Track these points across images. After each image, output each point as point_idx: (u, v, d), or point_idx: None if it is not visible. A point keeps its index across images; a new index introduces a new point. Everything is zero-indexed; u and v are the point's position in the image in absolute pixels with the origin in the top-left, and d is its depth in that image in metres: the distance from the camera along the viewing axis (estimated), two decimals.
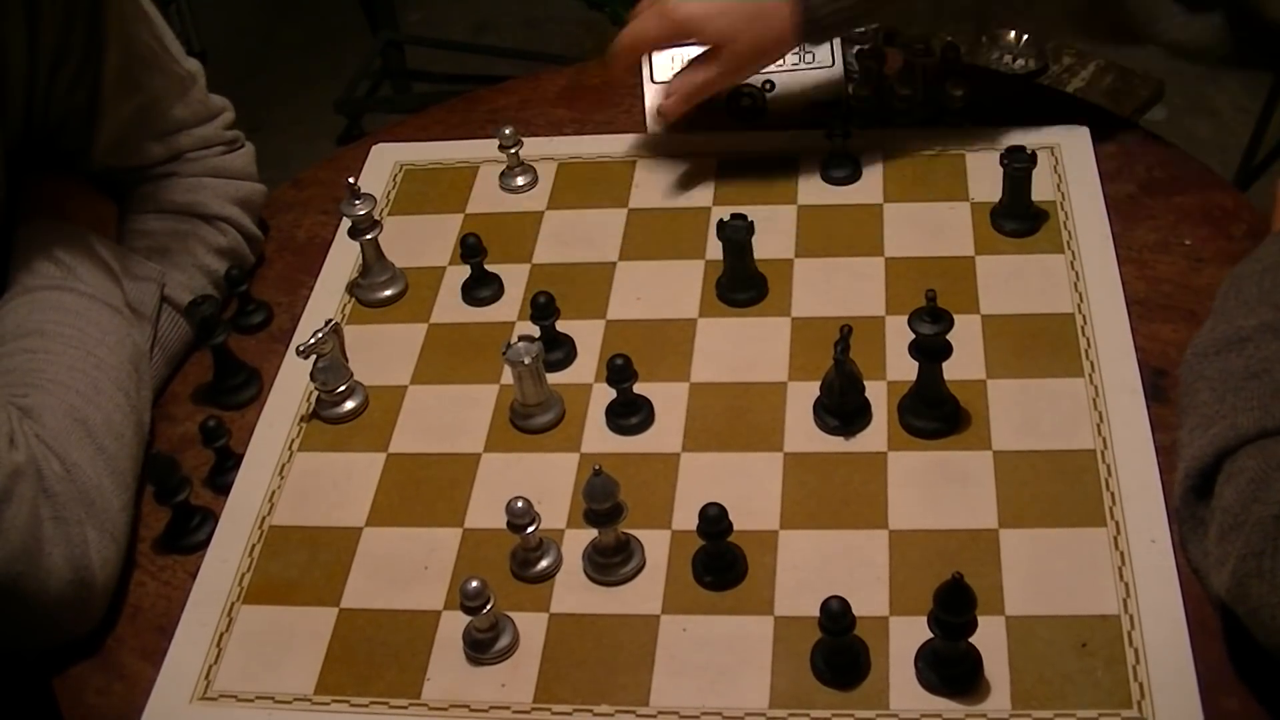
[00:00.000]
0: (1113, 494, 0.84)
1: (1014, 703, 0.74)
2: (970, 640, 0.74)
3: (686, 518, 0.84)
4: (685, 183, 1.12)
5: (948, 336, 0.85)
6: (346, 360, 0.97)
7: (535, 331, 0.95)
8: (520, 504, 0.81)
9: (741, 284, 1.00)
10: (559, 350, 0.97)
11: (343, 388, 0.96)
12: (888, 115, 1.15)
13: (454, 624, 0.82)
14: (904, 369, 0.90)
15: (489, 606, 0.78)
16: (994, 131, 1.12)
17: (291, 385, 0.99)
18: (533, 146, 1.15)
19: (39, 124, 0.98)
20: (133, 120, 1.01)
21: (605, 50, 1.10)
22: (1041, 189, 1.04)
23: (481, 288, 1.04)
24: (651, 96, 1.16)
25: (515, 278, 1.05)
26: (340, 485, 0.92)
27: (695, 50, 1.16)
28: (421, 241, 1.10)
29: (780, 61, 1.15)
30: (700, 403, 0.93)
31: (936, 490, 0.85)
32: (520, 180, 1.14)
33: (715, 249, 1.02)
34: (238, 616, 0.85)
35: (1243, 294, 0.78)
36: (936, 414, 0.88)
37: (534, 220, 1.10)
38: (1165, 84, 2.03)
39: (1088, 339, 0.93)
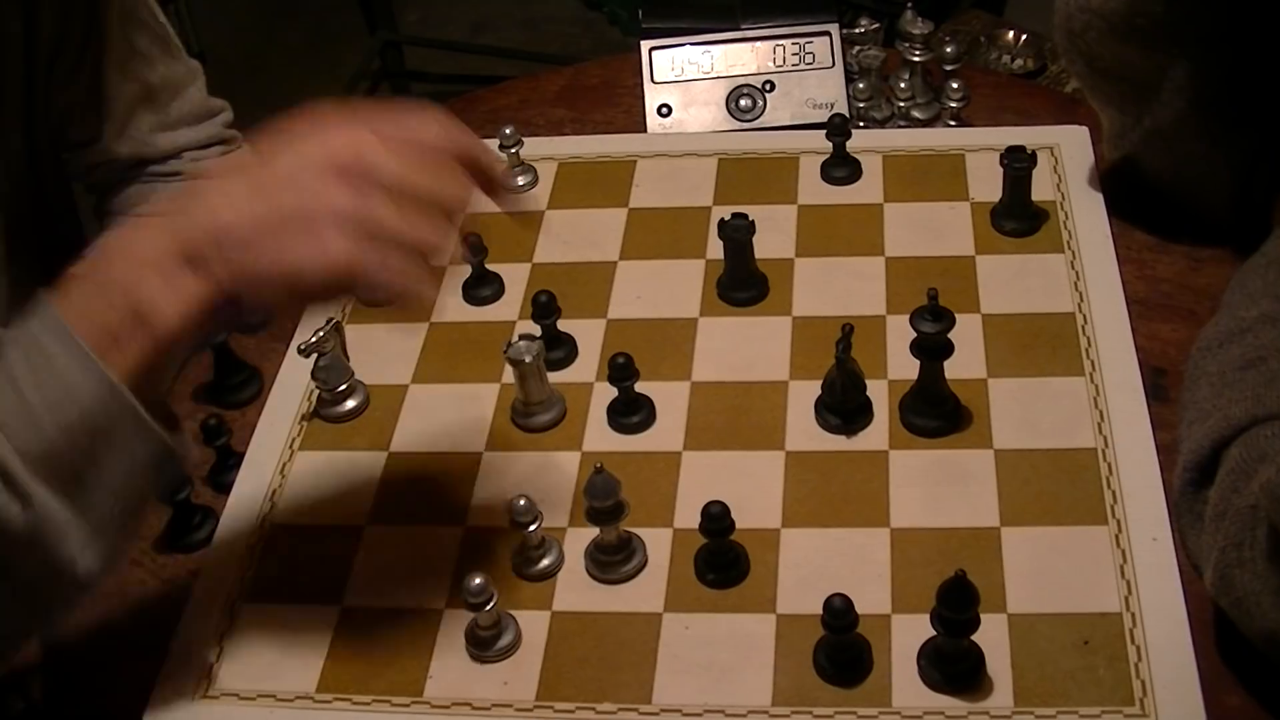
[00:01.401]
0: (1114, 492, 0.84)
1: (1016, 700, 0.74)
2: (972, 638, 0.74)
3: (688, 516, 0.84)
4: (685, 182, 1.12)
5: (949, 335, 0.85)
6: (347, 359, 0.97)
7: (536, 330, 0.95)
8: (522, 502, 0.81)
9: (742, 283, 1.00)
10: (560, 349, 0.97)
11: (344, 386, 0.96)
12: (887, 115, 1.15)
13: (456, 622, 0.82)
14: (905, 368, 0.90)
15: (492, 603, 0.78)
16: (993, 131, 1.12)
17: (292, 384, 0.99)
18: (533, 146, 1.15)
19: (41, 117, 0.98)
20: (136, 105, 1.01)
21: (603, 51, 1.10)
22: (1041, 189, 1.04)
23: (482, 287, 1.04)
24: (651, 96, 1.17)
25: (516, 277, 1.05)
26: (342, 484, 0.92)
27: (696, 52, 1.17)
28: None
29: (780, 61, 1.16)
30: (701, 401, 0.94)
31: (938, 489, 0.86)
32: (520, 180, 1.14)
33: (716, 248, 1.02)
34: (239, 615, 0.85)
35: (1247, 287, 0.79)
36: (938, 412, 0.89)
37: (535, 219, 1.10)
38: None
39: (1088, 338, 0.94)
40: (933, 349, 0.86)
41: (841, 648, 0.76)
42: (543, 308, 0.95)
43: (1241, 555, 0.69)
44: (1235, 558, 0.70)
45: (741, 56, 1.17)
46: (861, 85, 1.14)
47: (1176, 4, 0.86)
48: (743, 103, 1.16)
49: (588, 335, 0.99)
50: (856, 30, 1.16)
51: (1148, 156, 0.98)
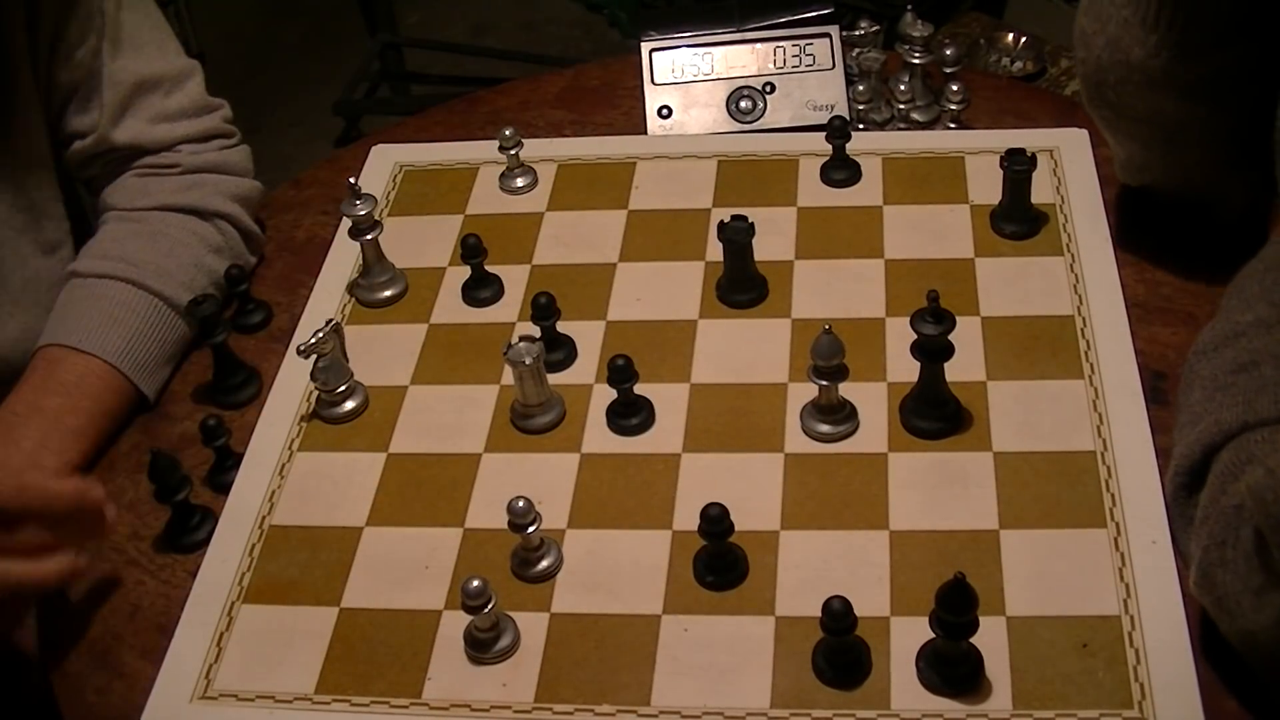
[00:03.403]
0: (1113, 495, 0.84)
1: (1015, 703, 0.74)
2: (971, 640, 0.74)
3: (688, 518, 0.84)
4: (685, 184, 1.12)
5: (949, 337, 0.85)
6: (347, 360, 0.97)
7: (536, 332, 0.95)
8: (521, 504, 0.81)
9: (742, 285, 1.00)
10: (560, 351, 0.97)
11: (343, 388, 0.96)
12: (887, 117, 1.15)
13: (455, 624, 0.82)
14: (904, 370, 0.90)
15: (490, 605, 0.78)
16: (993, 134, 1.12)
17: (292, 385, 0.99)
18: (532, 148, 1.16)
19: (45, 102, 0.99)
20: (134, 94, 1.02)
21: (603, 53, 1.10)
22: (1041, 192, 1.04)
23: (482, 288, 1.04)
24: (652, 98, 1.17)
25: (515, 278, 1.05)
26: (340, 485, 0.92)
27: (696, 54, 1.17)
28: (422, 242, 1.10)
29: (780, 63, 1.16)
30: (701, 403, 0.94)
31: (937, 491, 0.86)
32: (520, 181, 1.14)
33: (715, 250, 1.02)
34: (238, 616, 0.85)
35: (1244, 292, 0.79)
36: (938, 414, 0.89)
37: (534, 221, 1.10)
38: None
39: (1087, 341, 0.94)
40: (934, 351, 0.86)
41: (840, 650, 0.76)
42: (542, 309, 0.95)
43: (1224, 555, 0.69)
44: (1217, 557, 0.70)
45: (741, 58, 1.17)
46: (861, 87, 1.14)
47: (1222, 61, 0.86)
48: (743, 104, 1.16)
49: (587, 337, 0.99)
50: (856, 33, 1.16)
51: (1166, 181, 0.97)
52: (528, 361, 0.90)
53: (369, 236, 1.03)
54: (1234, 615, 0.70)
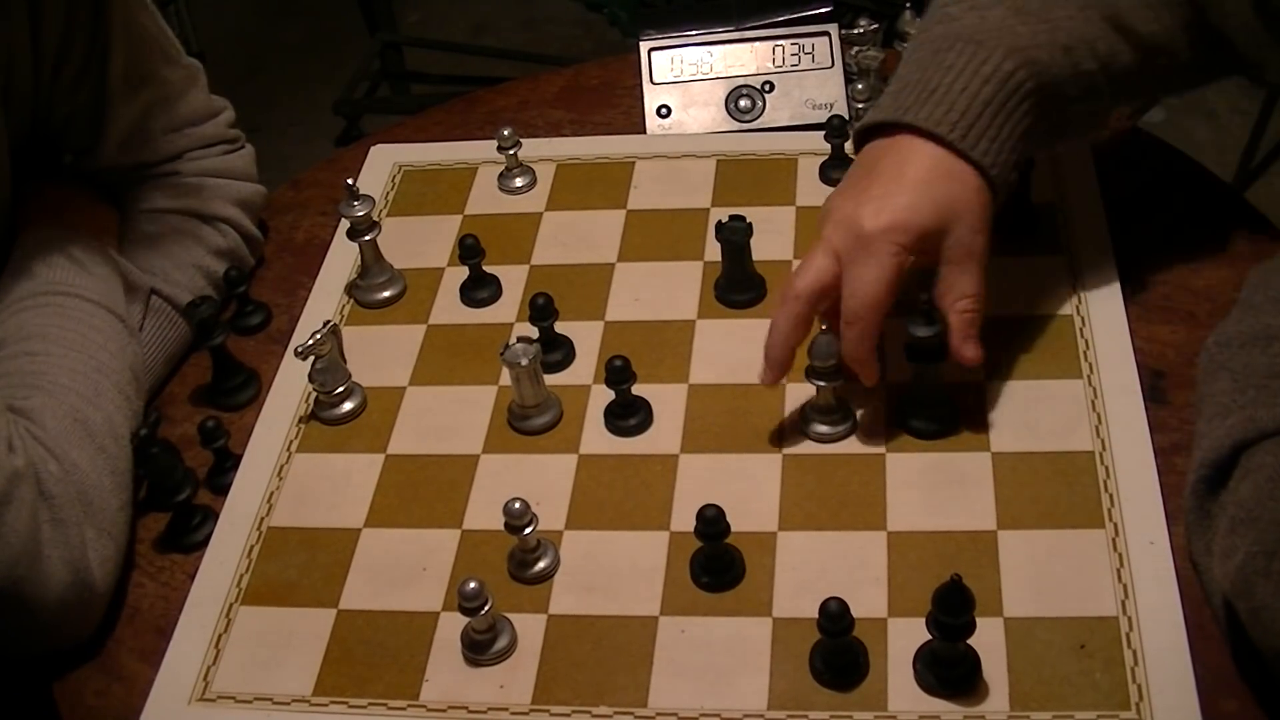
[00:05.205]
0: (1111, 496, 0.84)
1: (1012, 704, 0.74)
2: (969, 642, 0.74)
3: (685, 519, 0.84)
4: (684, 184, 1.12)
5: (943, 338, 0.85)
6: (345, 361, 0.97)
7: (534, 333, 0.95)
8: (518, 505, 0.81)
9: (740, 285, 1.00)
10: (557, 351, 0.97)
11: (341, 389, 0.96)
12: None
13: (452, 625, 0.82)
14: (903, 370, 0.90)
15: (487, 607, 0.78)
16: None
17: (290, 386, 0.99)
18: (531, 148, 1.15)
19: (43, 122, 0.99)
20: (139, 118, 1.01)
21: (603, 52, 1.10)
22: (1040, 191, 1.04)
23: (480, 289, 1.04)
24: (651, 97, 1.16)
25: (514, 279, 1.05)
26: (339, 487, 0.92)
27: (695, 53, 1.17)
28: (420, 243, 1.10)
29: (779, 62, 1.16)
30: (699, 404, 0.93)
31: (935, 491, 0.85)
32: (519, 181, 1.14)
33: (714, 250, 1.02)
34: (236, 618, 0.85)
35: (1271, 290, 0.77)
36: (935, 415, 0.89)
37: (532, 221, 1.10)
38: None
39: (1086, 340, 0.93)
40: (926, 352, 0.86)
41: (837, 651, 0.76)
42: (540, 310, 0.95)
43: (1270, 566, 0.68)
44: (1262, 566, 0.68)
45: (740, 57, 1.17)
46: (860, 86, 1.14)
47: None
48: (742, 103, 1.16)
49: (585, 337, 0.99)
50: (855, 31, 1.16)
51: None
52: (524, 362, 0.90)
53: (367, 237, 1.03)
54: (1269, 629, 0.68)
